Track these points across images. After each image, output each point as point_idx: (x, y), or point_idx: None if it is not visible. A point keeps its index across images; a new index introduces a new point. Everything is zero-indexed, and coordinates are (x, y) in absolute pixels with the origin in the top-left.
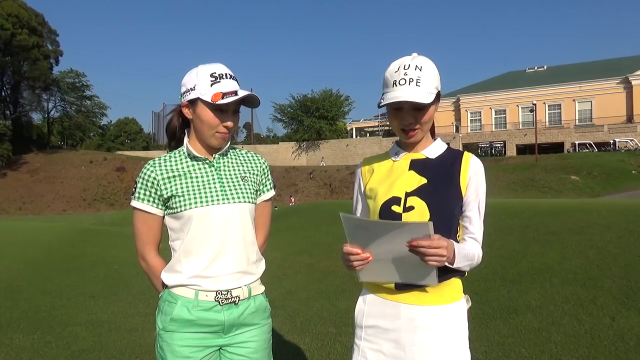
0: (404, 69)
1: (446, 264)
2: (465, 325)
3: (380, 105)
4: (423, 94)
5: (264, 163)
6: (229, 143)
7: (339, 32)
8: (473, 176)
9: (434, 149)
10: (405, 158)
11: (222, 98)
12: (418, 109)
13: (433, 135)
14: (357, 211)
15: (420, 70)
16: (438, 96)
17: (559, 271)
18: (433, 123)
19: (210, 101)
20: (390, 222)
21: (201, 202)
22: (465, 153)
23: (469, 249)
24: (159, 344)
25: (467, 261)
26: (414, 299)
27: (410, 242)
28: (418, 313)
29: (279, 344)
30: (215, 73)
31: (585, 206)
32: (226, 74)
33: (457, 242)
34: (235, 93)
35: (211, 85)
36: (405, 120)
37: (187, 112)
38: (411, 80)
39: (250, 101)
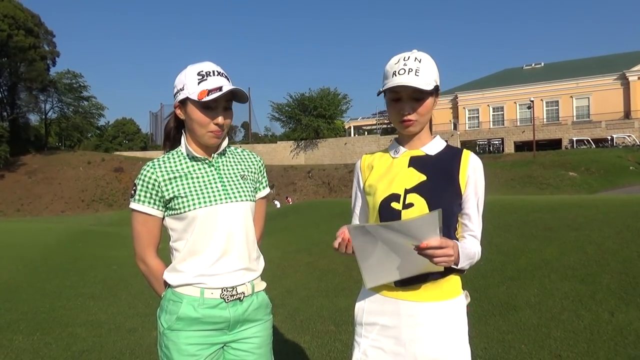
0: (404, 60)
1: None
2: (465, 321)
3: (381, 90)
4: (422, 82)
5: (259, 161)
6: (226, 141)
7: (338, 31)
8: (472, 174)
9: (433, 146)
10: (405, 155)
11: (208, 95)
12: (416, 100)
13: (431, 133)
14: (357, 207)
15: (420, 62)
16: (437, 90)
17: (558, 267)
18: (431, 120)
19: (197, 99)
20: (398, 222)
21: (205, 202)
22: (465, 151)
23: (469, 247)
24: (164, 343)
25: (468, 260)
26: (413, 296)
27: (420, 245)
28: (418, 309)
29: (279, 342)
30: (202, 71)
31: (583, 202)
32: (214, 71)
33: (457, 239)
34: (220, 89)
35: (198, 83)
36: (404, 110)
37: (179, 112)
38: (410, 70)
39: (238, 96)
